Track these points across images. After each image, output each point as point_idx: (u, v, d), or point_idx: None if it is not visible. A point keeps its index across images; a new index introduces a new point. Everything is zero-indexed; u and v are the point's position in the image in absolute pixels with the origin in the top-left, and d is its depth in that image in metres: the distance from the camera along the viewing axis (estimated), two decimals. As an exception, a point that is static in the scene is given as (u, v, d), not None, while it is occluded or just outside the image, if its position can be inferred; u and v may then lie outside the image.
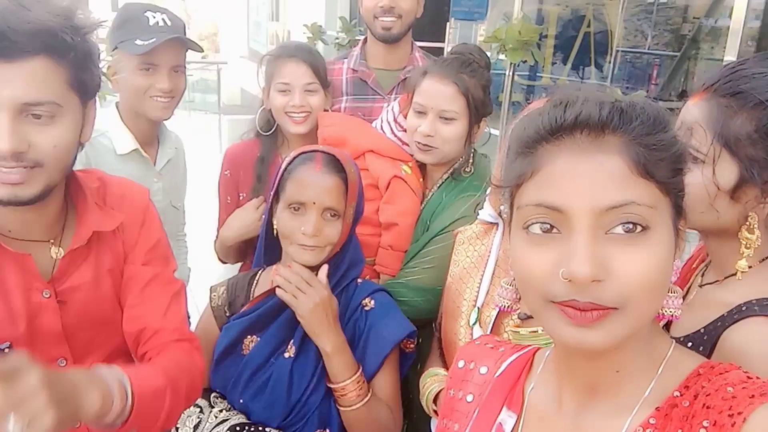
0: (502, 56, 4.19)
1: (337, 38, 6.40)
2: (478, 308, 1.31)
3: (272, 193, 1.40)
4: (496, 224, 1.38)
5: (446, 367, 1.40)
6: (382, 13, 1.98)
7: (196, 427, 1.35)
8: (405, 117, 1.72)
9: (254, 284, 1.48)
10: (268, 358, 1.38)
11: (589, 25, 6.26)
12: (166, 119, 1.85)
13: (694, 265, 1.12)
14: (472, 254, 1.40)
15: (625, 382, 0.70)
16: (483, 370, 0.86)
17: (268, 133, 1.91)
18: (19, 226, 1.05)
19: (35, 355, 1.03)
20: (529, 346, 0.88)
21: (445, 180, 1.69)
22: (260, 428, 1.34)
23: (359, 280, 1.47)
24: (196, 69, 12.33)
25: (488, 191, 1.43)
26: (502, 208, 1.31)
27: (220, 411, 1.37)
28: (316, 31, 6.60)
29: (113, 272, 1.16)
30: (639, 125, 0.64)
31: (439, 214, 1.63)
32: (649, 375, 0.69)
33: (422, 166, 1.76)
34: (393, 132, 1.78)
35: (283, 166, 1.38)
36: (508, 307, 0.80)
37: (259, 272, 1.50)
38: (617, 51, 5.98)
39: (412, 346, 1.43)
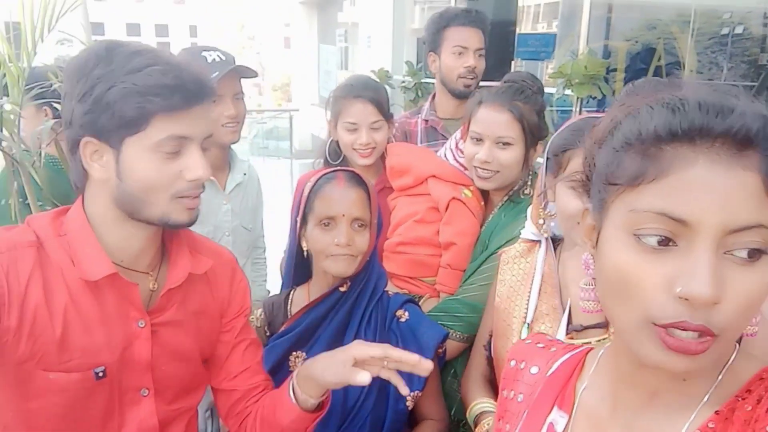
0: (568, 91, 4.17)
1: (403, 82, 6.58)
2: (528, 324, 1.32)
3: (298, 218, 1.48)
4: (539, 242, 1.40)
5: (494, 386, 1.40)
6: (466, 73, 2.21)
7: None
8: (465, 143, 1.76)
9: (289, 303, 1.55)
10: None
11: (660, 59, 6.15)
12: (235, 142, 2.03)
13: None
14: (517, 272, 1.42)
15: (686, 386, 0.68)
16: (534, 370, 0.85)
17: (336, 162, 2.00)
18: (132, 257, 1.13)
19: (123, 381, 1.12)
20: (582, 346, 0.86)
21: (505, 202, 1.73)
22: None
23: (390, 293, 1.54)
24: (269, 117, 12.87)
25: (529, 210, 1.46)
26: (542, 222, 1.34)
27: None
28: (383, 77, 6.81)
29: (198, 314, 1.23)
30: None
31: (498, 233, 1.65)
32: (710, 379, 0.67)
33: (484, 192, 1.79)
34: (455, 158, 1.84)
35: (308, 189, 1.46)
36: (593, 309, 0.77)
37: (292, 292, 1.57)
38: (689, 84, 5.82)
39: (440, 350, 1.48)
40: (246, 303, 1.33)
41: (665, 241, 0.60)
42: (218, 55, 1.91)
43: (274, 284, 2.34)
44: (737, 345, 0.70)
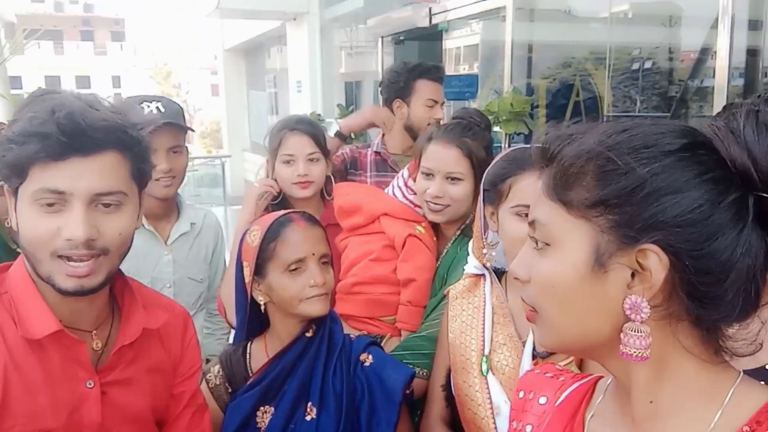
0: (496, 128, 4.32)
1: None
2: (486, 356, 1.34)
3: (247, 270, 1.42)
4: (483, 275, 1.44)
5: (457, 425, 1.40)
6: (435, 123, 2.31)
7: None
8: (414, 181, 1.80)
9: (248, 356, 1.49)
10: (287, 425, 1.38)
11: (578, 95, 6.48)
12: (170, 196, 1.95)
13: None
14: (467, 307, 1.44)
15: (669, 413, 0.68)
16: (542, 400, 0.85)
17: (275, 202, 2.01)
18: (68, 315, 1.07)
19: None
20: (590, 375, 0.86)
21: (458, 236, 1.76)
22: None
23: (352, 335, 1.52)
24: (200, 165, 12.68)
25: (470, 245, 1.50)
26: (485, 252, 1.39)
27: None
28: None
29: (152, 372, 1.18)
30: (561, 155, 0.70)
31: (456, 267, 1.67)
32: (708, 408, 0.66)
33: (435, 226, 1.82)
34: (404, 196, 1.86)
35: (258, 239, 1.41)
36: None
37: (248, 345, 1.51)
38: (608, 116, 6.16)
39: (408, 391, 1.44)
40: (197, 362, 1.28)
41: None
42: (158, 107, 1.83)
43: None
44: (740, 373, 0.69)
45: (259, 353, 1.47)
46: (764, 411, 0.64)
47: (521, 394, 0.89)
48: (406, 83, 2.40)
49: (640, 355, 0.65)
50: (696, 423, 0.66)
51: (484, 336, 1.36)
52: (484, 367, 1.32)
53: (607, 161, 0.65)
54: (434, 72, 2.44)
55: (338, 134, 2.50)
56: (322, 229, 1.46)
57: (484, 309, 1.39)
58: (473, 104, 6.21)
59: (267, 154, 2.06)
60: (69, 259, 0.99)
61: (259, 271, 1.41)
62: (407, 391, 1.44)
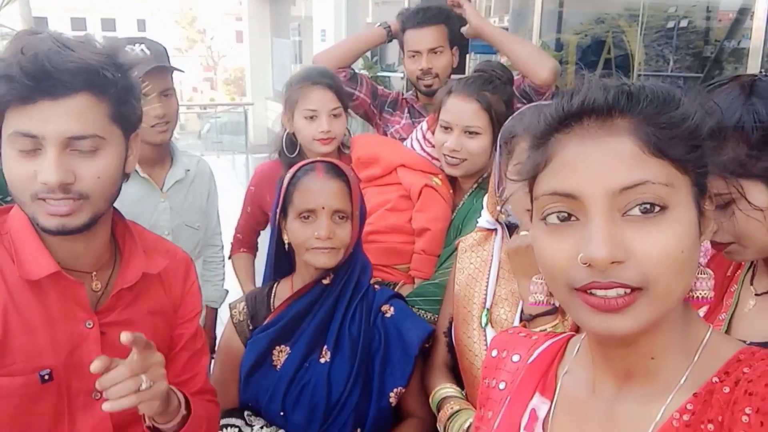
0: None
1: (360, 75, 6.59)
2: (488, 309, 1.35)
3: (278, 210, 1.45)
4: (495, 230, 1.44)
5: (457, 371, 1.43)
6: (423, 75, 2.18)
7: None
8: (433, 134, 1.79)
9: (272, 296, 1.52)
10: (302, 365, 1.42)
11: (609, 52, 6.31)
12: (166, 142, 1.91)
13: (728, 273, 1.14)
14: (475, 260, 1.45)
15: (660, 368, 0.69)
16: (515, 358, 0.86)
17: (292, 156, 1.97)
18: (68, 256, 1.08)
19: (72, 384, 1.08)
20: (563, 333, 0.87)
21: (474, 189, 1.77)
22: None
23: (376, 286, 1.53)
24: (223, 111, 12.69)
25: (484, 199, 1.50)
26: (499, 208, 1.38)
27: (261, 428, 1.40)
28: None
29: (153, 314, 1.20)
30: (647, 106, 0.64)
31: (471, 217, 1.68)
32: (685, 361, 0.68)
33: (452, 179, 1.83)
34: (422, 148, 1.87)
35: (286, 182, 1.44)
36: (542, 301, 0.80)
37: (275, 285, 1.54)
38: (639, 75, 6.00)
39: (426, 346, 1.47)
40: (197, 307, 1.29)
41: (567, 218, 0.65)
42: (143, 49, 1.77)
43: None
44: (710, 327, 0.71)
45: (285, 293, 1.50)
46: (733, 362, 0.66)
47: (494, 353, 0.89)
48: (400, 37, 2.24)
49: (708, 296, 0.67)
50: (673, 375, 0.68)
51: (487, 290, 1.38)
52: (484, 319, 1.35)
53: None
54: (413, 17, 2.16)
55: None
56: (345, 183, 1.43)
57: (490, 263, 1.41)
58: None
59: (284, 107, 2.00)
60: (43, 199, 0.99)
61: (284, 212, 1.44)
62: (426, 345, 1.45)
